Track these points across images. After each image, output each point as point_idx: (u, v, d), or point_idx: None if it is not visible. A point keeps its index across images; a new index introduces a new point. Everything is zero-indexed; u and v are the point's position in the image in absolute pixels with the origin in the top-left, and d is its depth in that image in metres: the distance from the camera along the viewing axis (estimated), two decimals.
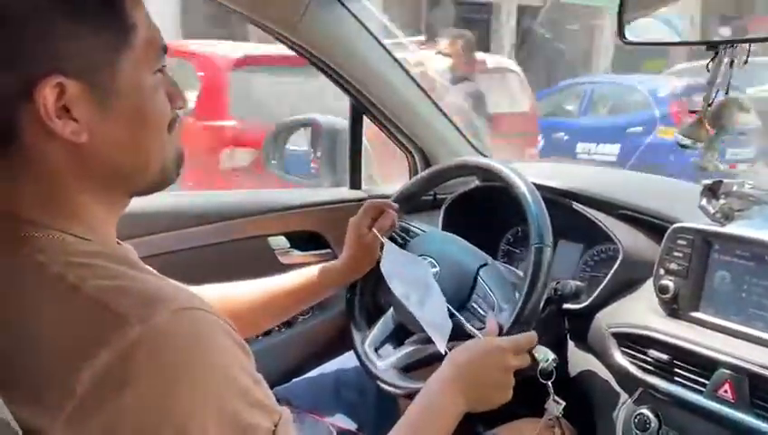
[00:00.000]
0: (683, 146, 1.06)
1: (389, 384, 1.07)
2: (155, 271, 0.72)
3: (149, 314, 0.56)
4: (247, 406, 0.60)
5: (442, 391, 0.89)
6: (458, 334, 1.01)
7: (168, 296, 0.60)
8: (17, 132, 0.61)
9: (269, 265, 1.47)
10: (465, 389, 0.89)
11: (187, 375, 0.57)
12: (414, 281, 1.06)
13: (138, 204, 0.73)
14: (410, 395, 1.01)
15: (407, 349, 1.11)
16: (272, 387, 0.67)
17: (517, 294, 1.05)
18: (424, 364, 1.08)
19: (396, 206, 1.19)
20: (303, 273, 1.15)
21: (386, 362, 1.10)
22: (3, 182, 0.64)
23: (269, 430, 0.61)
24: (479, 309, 1.07)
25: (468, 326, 1.01)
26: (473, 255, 1.16)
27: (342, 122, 1.64)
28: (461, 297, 1.08)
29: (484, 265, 1.12)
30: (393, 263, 1.09)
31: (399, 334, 1.16)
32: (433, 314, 1.02)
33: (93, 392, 0.54)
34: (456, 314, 1.04)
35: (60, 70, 0.60)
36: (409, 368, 1.09)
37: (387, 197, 1.29)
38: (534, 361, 0.98)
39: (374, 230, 1.13)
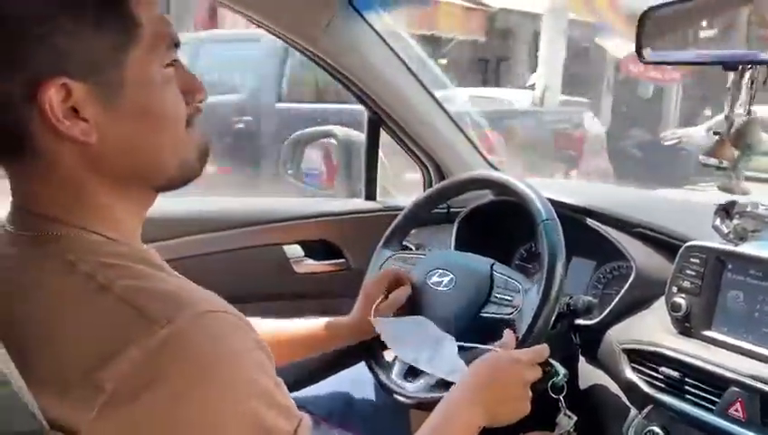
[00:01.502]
0: (707, 165, 1.05)
1: (403, 395, 1.07)
2: (178, 274, 0.73)
3: (175, 316, 0.57)
4: (268, 408, 0.61)
5: (462, 404, 0.89)
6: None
7: (194, 299, 0.60)
8: (28, 137, 0.61)
9: (283, 273, 1.49)
10: (484, 402, 0.89)
11: (209, 376, 0.58)
12: (420, 341, 1.06)
13: (149, 209, 0.74)
14: (422, 405, 1.02)
15: None
16: None
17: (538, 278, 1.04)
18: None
19: (414, 280, 1.16)
20: (311, 325, 1.13)
21: (417, 385, 1.08)
22: (26, 185, 0.65)
23: (289, 433, 0.62)
24: (505, 297, 1.07)
25: (483, 347, 1.01)
26: (482, 259, 1.17)
27: (359, 135, 1.67)
28: (483, 293, 1.08)
29: (494, 263, 1.14)
30: (393, 333, 1.08)
31: None
32: (446, 363, 1.02)
33: (122, 390, 0.55)
34: (468, 345, 1.03)
35: (64, 71, 0.59)
36: (445, 383, 1.08)
37: (400, 209, 1.31)
38: (546, 375, 0.98)
39: (370, 317, 1.10)
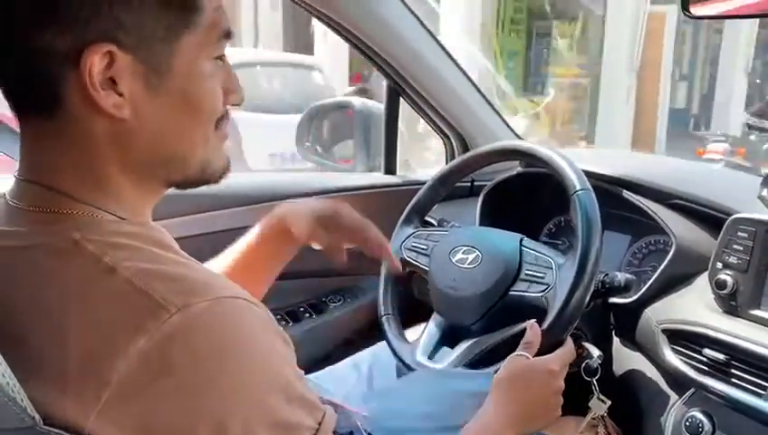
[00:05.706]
0: (753, 128, 0.95)
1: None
2: (190, 256, 0.68)
3: (188, 302, 0.53)
4: (288, 402, 0.56)
5: (496, 426, 0.86)
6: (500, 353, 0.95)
7: (208, 283, 0.56)
8: (61, 97, 0.58)
9: (299, 250, 1.43)
10: (517, 420, 0.86)
11: (225, 367, 0.54)
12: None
13: None
14: None
15: (464, 345, 1.05)
16: None
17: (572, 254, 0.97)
18: (486, 358, 1.02)
19: (400, 269, 1.10)
20: (251, 246, 1.04)
21: (446, 365, 1.03)
22: (44, 150, 0.61)
23: (312, 428, 0.58)
24: (536, 274, 1.01)
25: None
26: (509, 234, 1.11)
27: (378, 106, 1.60)
28: (511, 270, 1.02)
29: (523, 238, 1.07)
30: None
31: (451, 336, 1.09)
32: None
33: (129, 382, 0.51)
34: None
35: (114, 39, 0.56)
36: (472, 364, 1.03)
37: (422, 183, 1.24)
38: (579, 356, 0.93)
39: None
